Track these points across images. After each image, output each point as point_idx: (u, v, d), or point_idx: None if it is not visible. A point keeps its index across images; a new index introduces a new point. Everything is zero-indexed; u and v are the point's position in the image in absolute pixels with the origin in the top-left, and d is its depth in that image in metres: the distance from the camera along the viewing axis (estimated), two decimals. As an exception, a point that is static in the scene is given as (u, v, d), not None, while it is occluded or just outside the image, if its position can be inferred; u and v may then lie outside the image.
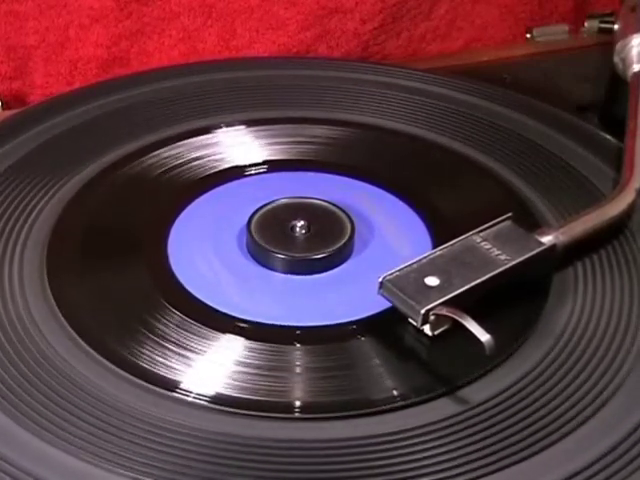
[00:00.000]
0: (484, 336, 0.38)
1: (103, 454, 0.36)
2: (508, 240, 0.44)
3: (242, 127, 0.58)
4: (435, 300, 0.40)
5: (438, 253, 0.44)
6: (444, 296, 0.41)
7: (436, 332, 0.41)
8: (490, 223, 0.45)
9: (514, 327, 0.43)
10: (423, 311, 0.40)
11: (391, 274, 0.42)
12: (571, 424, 0.38)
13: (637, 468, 0.36)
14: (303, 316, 0.44)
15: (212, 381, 0.40)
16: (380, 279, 0.42)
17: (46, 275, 0.46)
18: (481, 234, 0.45)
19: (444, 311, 0.40)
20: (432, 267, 0.42)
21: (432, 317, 0.40)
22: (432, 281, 0.42)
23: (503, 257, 0.43)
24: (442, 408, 0.39)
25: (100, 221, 0.50)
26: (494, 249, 0.44)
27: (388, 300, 0.42)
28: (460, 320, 0.39)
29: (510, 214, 0.46)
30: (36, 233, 0.48)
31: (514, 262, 0.43)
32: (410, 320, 0.41)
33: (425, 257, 0.43)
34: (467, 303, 0.40)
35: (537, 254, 0.44)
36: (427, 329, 0.41)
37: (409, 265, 0.43)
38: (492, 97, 0.62)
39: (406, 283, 0.41)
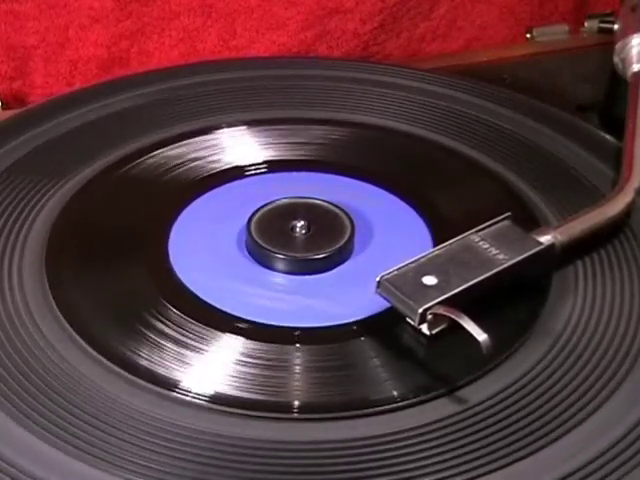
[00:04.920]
0: (481, 335, 0.38)
1: (101, 453, 0.37)
2: (506, 239, 0.44)
3: (242, 127, 0.58)
4: (433, 299, 0.40)
5: (436, 252, 0.44)
6: (442, 295, 0.41)
7: (434, 331, 0.41)
8: (488, 222, 0.45)
9: (514, 327, 0.43)
10: (420, 310, 0.40)
11: (389, 273, 0.42)
12: (570, 423, 0.38)
13: (635, 466, 0.36)
14: (303, 316, 0.44)
15: (212, 381, 0.40)
16: (378, 278, 0.42)
17: (46, 275, 0.46)
18: (479, 233, 0.45)
19: (441, 310, 0.40)
20: (430, 266, 0.42)
21: (429, 316, 0.40)
22: (430, 280, 0.42)
23: (501, 256, 0.43)
24: (441, 408, 0.39)
25: (100, 221, 0.50)
26: (492, 248, 0.44)
27: (386, 299, 0.42)
28: (457, 319, 0.39)
29: (509, 214, 0.46)
30: (36, 233, 0.48)
31: (512, 261, 0.43)
32: (408, 319, 0.41)
33: (423, 256, 0.43)
34: (465, 302, 0.40)
35: (535, 254, 0.44)
36: (425, 328, 0.41)
37: (407, 264, 0.43)
38: (492, 97, 0.62)
39: (404, 282, 0.41)
